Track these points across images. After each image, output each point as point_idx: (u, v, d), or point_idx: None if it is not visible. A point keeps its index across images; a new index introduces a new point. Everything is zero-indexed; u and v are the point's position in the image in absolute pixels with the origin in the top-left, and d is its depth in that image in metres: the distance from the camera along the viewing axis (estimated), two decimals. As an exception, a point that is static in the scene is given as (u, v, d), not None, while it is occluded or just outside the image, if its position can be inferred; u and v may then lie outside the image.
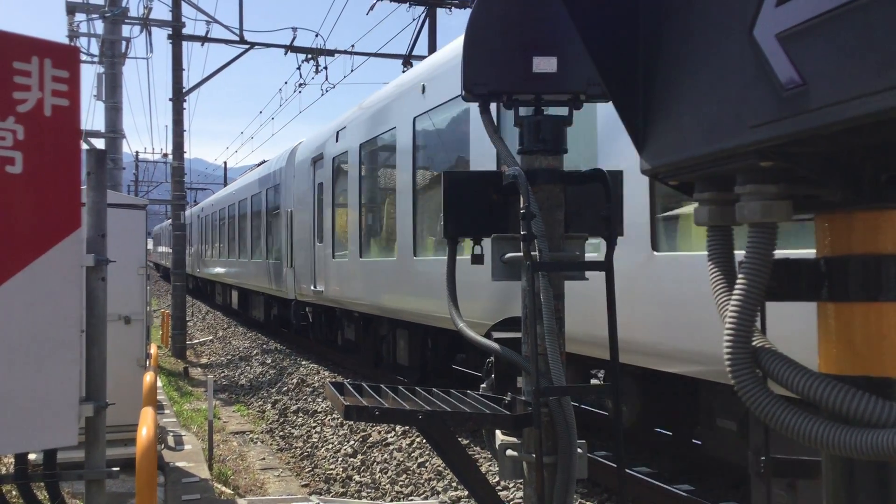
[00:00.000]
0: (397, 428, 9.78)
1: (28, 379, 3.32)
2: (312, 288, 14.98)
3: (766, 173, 1.31)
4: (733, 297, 1.36)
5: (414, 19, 19.38)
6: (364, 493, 8.19)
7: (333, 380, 5.71)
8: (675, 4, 1.45)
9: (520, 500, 6.51)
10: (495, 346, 3.32)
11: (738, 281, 1.36)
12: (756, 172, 1.32)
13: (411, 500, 7.64)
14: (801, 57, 1.15)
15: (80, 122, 3.50)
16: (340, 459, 9.38)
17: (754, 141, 1.24)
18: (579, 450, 3.12)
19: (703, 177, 1.45)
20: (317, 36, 27.03)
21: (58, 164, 3.40)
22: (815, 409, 1.34)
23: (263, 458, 9.88)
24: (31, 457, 4.93)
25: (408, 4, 19.23)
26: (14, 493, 5.31)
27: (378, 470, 8.72)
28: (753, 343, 1.37)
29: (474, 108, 3.61)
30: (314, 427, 11.04)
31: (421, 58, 19.28)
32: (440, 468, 8.11)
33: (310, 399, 12.69)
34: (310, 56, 21.56)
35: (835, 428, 1.27)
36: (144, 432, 4.62)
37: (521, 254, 3.07)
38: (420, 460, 8.57)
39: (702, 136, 1.37)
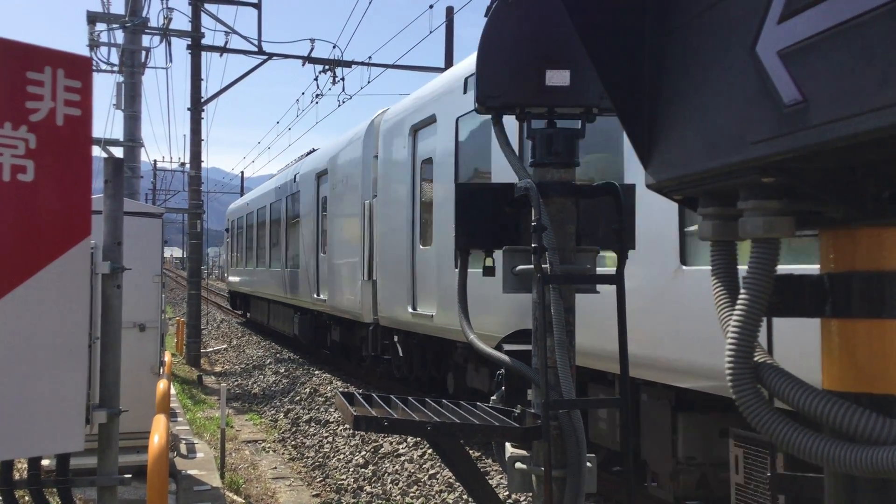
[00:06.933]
0: (409, 439, 9.76)
1: (36, 385, 3.34)
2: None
3: (768, 189, 1.31)
4: (735, 312, 1.36)
5: (431, 31, 19.47)
6: (375, 504, 8.18)
7: (344, 389, 5.71)
8: (680, 20, 1.46)
9: (530, 514, 6.47)
10: (506, 358, 3.32)
11: (740, 296, 1.36)
12: (758, 188, 1.31)
13: (422, 511, 7.62)
14: (802, 74, 1.16)
15: (91, 132, 3.53)
16: (352, 470, 9.37)
17: (756, 157, 1.25)
18: (588, 464, 3.11)
19: (706, 192, 1.45)
20: (334, 47, 27.05)
21: (69, 172, 3.44)
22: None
23: (275, 468, 9.89)
24: (44, 462, 4.96)
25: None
26: (27, 498, 5.34)
27: (389, 481, 8.71)
28: (755, 359, 1.37)
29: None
30: (326, 437, 11.05)
31: (439, 70, 19.33)
32: (451, 480, 8.08)
33: (322, 409, 12.70)
34: (327, 67, 21.65)
35: (836, 445, 1.26)
36: (157, 439, 4.64)
37: (532, 266, 3.07)
38: (431, 472, 8.56)
39: (705, 152, 1.37)
